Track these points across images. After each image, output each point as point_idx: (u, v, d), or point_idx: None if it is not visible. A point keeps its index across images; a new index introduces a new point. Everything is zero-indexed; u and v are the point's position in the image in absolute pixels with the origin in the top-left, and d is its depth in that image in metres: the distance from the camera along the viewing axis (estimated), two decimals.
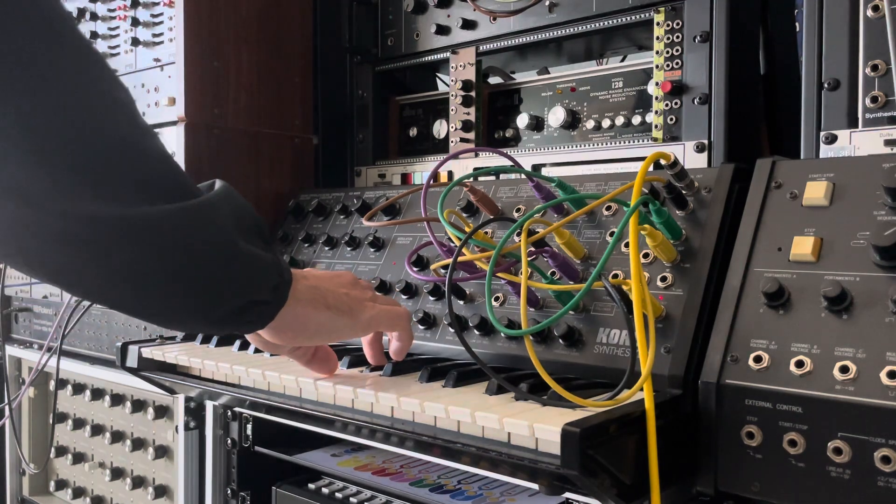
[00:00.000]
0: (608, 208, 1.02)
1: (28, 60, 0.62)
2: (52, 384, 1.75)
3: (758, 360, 0.77)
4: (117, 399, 1.63)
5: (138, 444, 1.59)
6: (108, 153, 0.66)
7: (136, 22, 1.52)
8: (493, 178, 1.27)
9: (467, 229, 1.01)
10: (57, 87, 0.63)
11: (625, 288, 0.87)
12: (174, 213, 0.68)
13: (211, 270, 0.72)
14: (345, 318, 0.87)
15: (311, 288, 0.83)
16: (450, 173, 1.40)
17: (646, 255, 0.93)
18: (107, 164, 0.65)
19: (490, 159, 1.35)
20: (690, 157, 1.11)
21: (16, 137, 0.61)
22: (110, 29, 1.60)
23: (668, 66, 1.14)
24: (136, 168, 0.68)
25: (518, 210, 1.11)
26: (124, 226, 0.65)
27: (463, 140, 1.39)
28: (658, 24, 1.15)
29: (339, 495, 1.22)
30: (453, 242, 0.97)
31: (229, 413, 1.35)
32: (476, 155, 1.37)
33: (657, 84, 1.15)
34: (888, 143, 0.91)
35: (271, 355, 1.07)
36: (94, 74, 0.67)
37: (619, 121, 1.23)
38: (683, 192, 0.95)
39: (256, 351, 1.09)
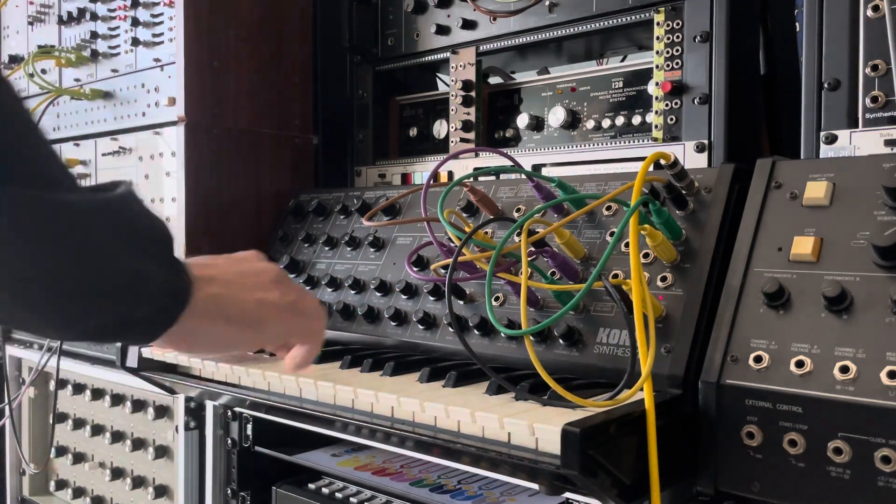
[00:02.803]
0: (608, 208, 1.02)
1: None
2: (52, 384, 1.75)
3: (758, 360, 0.77)
4: (117, 399, 1.63)
5: (138, 444, 1.59)
6: None
7: (136, 22, 1.52)
8: (493, 178, 1.27)
9: (467, 229, 1.01)
10: None
11: (625, 288, 0.87)
12: (51, 202, 0.61)
13: (82, 279, 0.64)
14: (247, 332, 0.81)
15: (211, 298, 0.76)
16: (450, 173, 1.40)
17: (646, 255, 0.94)
18: None
19: (490, 159, 1.35)
20: (690, 157, 1.11)
21: None
22: (110, 29, 1.60)
23: (668, 66, 1.14)
24: (23, 159, 0.62)
25: (518, 210, 1.11)
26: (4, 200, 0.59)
27: (463, 140, 1.39)
28: (658, 24, 1.15)
29: (339, 495, 1.22)
30: (453, 242, 0.97)
31: (229, 413, 1.35)
32: (476, 155, 1.37)
33: (657, 84, 1.15)
34: (888, 143, 0.91)
35: (271, 355, 1.06)
36: None
37: (619, 121, 1.23)
38: (683, 192, 0.95)
39: (257, 351, 1.09)
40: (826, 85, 0.96)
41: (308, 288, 1.31)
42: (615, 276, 0.94)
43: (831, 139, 0.95)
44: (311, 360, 0.90)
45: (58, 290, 0.63)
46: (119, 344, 0.82)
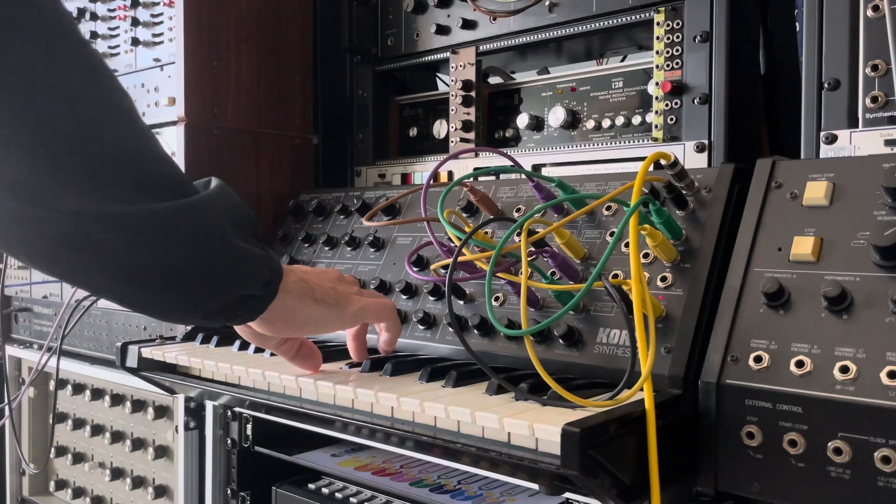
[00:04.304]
0: (608, 208, 1.02)
1: (35, 70, 0.65)
2: (52, 384, 1.75)
3: (758, 360, 0.77)
4: (117, 399, 1.63)
5: (138, 444, 1.59)
6: (111, 156, 0.69)
7: (136, 22, 1.52)
8: (493, 178, 1.27)
9: (467, 229, 1.01)
10: (63, 97, 0.66)
11: (625, 288, 0.87)
12: (172, 209, 0.71)
13: (206, 265, 0.74)
14: (332, 311, 0.89)
15: (299, 281, 0.86)
16: (450, 173, 1.40)
17: (646, 255, 0.94)
18: (109, 167, 0.68)
19: (490, 159, 1.35)
20: (690, 157, 1.11)
21: (25, 142, 0.64)
22: (110, 29, 1.60)
23: (668, 66, 1.14)
24: (136, 169, 0.71)
25: (518, 210, 1.11)
26: (126, 222, 0.68)
27: (463, 140, 1.39)
28: (658, 24, 1.15)
29: (339, 495, 1.22)
30: (453, 242, 0.97)
31: (229, 413, 1.35)
32: (476, 155, 1.37)
33: (657, 84, 1.15)
34: (888, 143, 0.91)
35: (271, 355, 1.07)
36: (97, 82, 0.70)
37: (619, 121, 1.23)
38: (683, 192, 0.95)
39: (256, 351, 1.09)
40: (826, 85, 0.96)
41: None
42: (615, 276, 0.94)
43: (831, 139, 0.95)
44: (397, 334, 0.99)
45: (189, 279, 0.73)
46: (225, 324, 0.90)
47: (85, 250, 0.68)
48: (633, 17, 1.19)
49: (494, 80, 1.52)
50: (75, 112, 0.67)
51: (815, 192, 0.84)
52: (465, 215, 1.16)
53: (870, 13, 0.93)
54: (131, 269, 0.70)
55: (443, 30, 1.42)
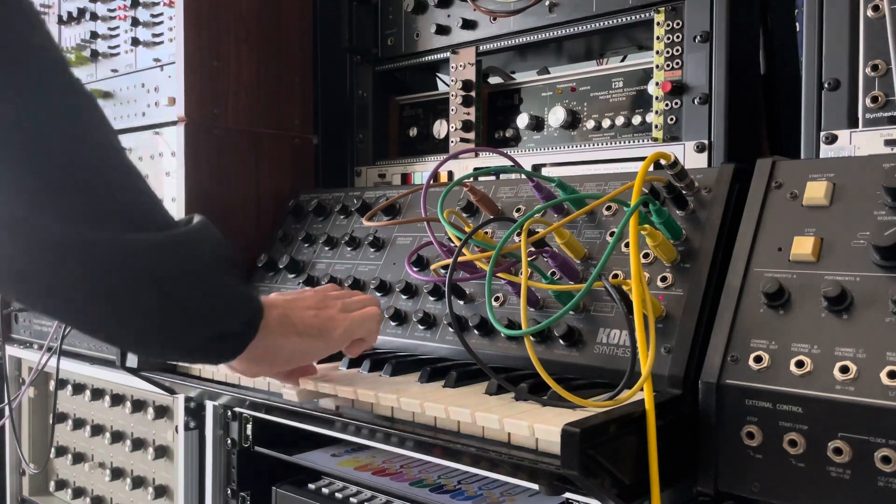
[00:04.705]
0: (608, 208, 1.02)
1: (28, 110, 0.65)
2: (52, 384, 1.75)
3: (758, 360, 0.77)
4: (117, 399, 1.63)
5: (138, 444, 1.59)
6: (97, 189, 0.69)
7: (136, 22, 1.52)
8: (493, 178, 1.27)
9: (467, 229, 1.01)
10: (52, 129, 0.67)
11: (625, 288, 0.87)
12: (155, 242, 0.71)
13: (188, 299, 0.74)
14: (317, 341, 0.89)
15: (281, 318, 0.85)
16: (450, 173, 1.40)
17: (646, 255, 0.93)
18: (94, 198, 0.69)
19: (490, 159, 1.35)
20: (690, 157, 1.11)
21: (17, 178, 0.65)
22: (110, 29, 1.60)
23: (668, 66, 1.14)
24: (121, 202, 0.71)
25: (518, 210, 1.11)
26: (106, 251, 0.68)
27: (463, 140, 1.39)
28: (658, 24, 1.15)
29: (339, 495, 1.22)
30: (453, 242, 0.97)
31: (229, 413, 1.35)
32: (476, 155, 1.37)
33: (657, 84, 1.15)
34: (888, 143, 0.91)
35: None
36: (87, 121, 0.71)
37: (619, 121, 1.23)
38: (683, 192, 0.95)
39: None
40: (826, 85, 0.96)
41: (308, 288, 1.31)
42: (615, 276, 0.94)
43: (831, 139, 0.95)
44: (370, 346, 0.97)
45: (168, 317, 0.73)
46: (206, 363, 0.92)
47: (64, 276, 0.67)
48: (633, 17, 1.19)
49: (494, 80, 1.52)
50: (63, 144, 0.68)
51: (815, 192, 0.84)
52: (465, 215, 1.16)
53: (870, 13, 0.93)
54: (117, 296, 0.70)
55: (443, 30, 1.42)
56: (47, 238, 0.66)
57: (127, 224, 0.70)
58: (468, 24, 1.38)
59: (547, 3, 1.27)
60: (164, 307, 0.72)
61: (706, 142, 1.10)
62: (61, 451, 1.80)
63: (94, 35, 1.63)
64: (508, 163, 1.15)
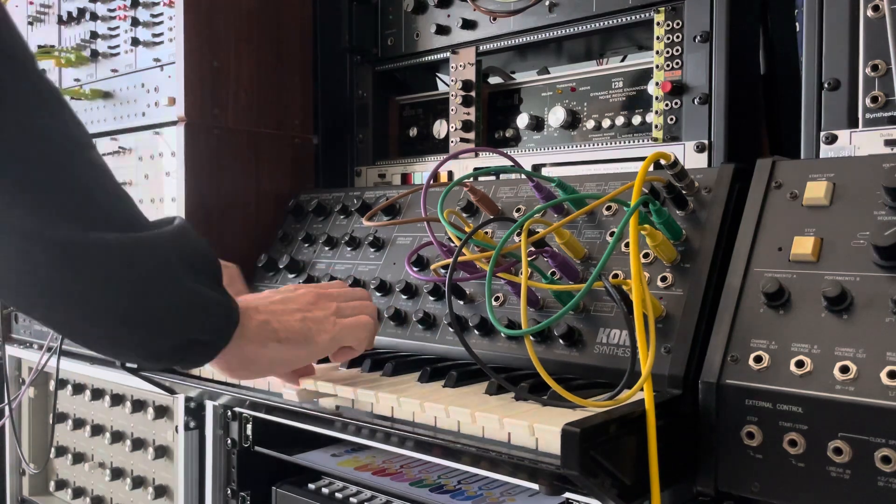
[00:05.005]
0: (608, 208, 1.02)
1: None
2: (52, 384, 1.75)
3: (758, 360, 0.77)
4: (117, 399, 1.63)
5: (138, 444, 1.59)
6: (67, 188, 0.69)
7: (136, 22, 1.52)
8: (493, 178, 1.27)
9: (467, 229, 1.01)
10: (22, 132, 0.67)
11: (625, 288, 0.87)
12: (122, 241, 0.69)
13: (152, 303, 0.72)
14: (300, 348, 0.86)
15: (261, 325, 0.83)
16: (450, 173, 1.40)
17: (646, 255, 0.93)
18: (65, 197, 0.68)
19: (490, 159, 1.35)
20: (690, 157, 1.11)
21: None
22: (110, 29, 1.60)
23: (668, 66, 1.14)
24: (89, 201, 0.70)
25: (518, 210, 1.11)
26: (73, 250, 0.67)
27: (463, 140, 1.39)
28: (658, 24, 1.15)
29: (339, 495, 1.22)
30: (453, 242, 0.97)
31: (229, 413, 1.35)
32: (476, 155, 1.37)
33: (657, 84, 1.15)
34: (888, 143, 0.91)
35: None
36: (55, 115, 0.70)
37: (619, 121, 1.23)
38: (683, 192, 0.95)
39: None
40: (826, 85, 0.96)
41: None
42: (615, 276, 0.94)
43: (831, 139, 0.95)
44: (358, 354, 0.94)
45: (133, 319, 0.71)
46: (175, 368, 0.90)
47: (31, 274, 0.67)
48: (633, 17, 1.19)
49: (494, 80, 1.52)
50: (31, 142, 0.67)
51: (815, 192, 0.84)
52: (465, 215, 1.16)
53: (870, 13, 0.93)
54: (82, 296, 0.69)
55: (443, 30, 1.42)
56: (15, 234, 0.65)
57: (93, 223, 0.69)
58: (468, 24, 1.38)
59: (547, 3, 1.27)
60: (128, 311, 0.70)
61: (706, 142, 1.10)
62: (61, 451, 1.80)
63: (94, 35, 1.63)
64: (508, 163, 1.15)
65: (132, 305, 0.71)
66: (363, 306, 0.95)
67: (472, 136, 1.39)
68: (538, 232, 0.93)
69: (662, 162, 0.92)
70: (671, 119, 1.13)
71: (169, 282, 0.73)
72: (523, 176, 1.07)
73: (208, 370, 1.08)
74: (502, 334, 1.00)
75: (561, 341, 0.94)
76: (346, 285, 1.02)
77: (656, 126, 1.15)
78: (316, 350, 0.88)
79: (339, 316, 0.90)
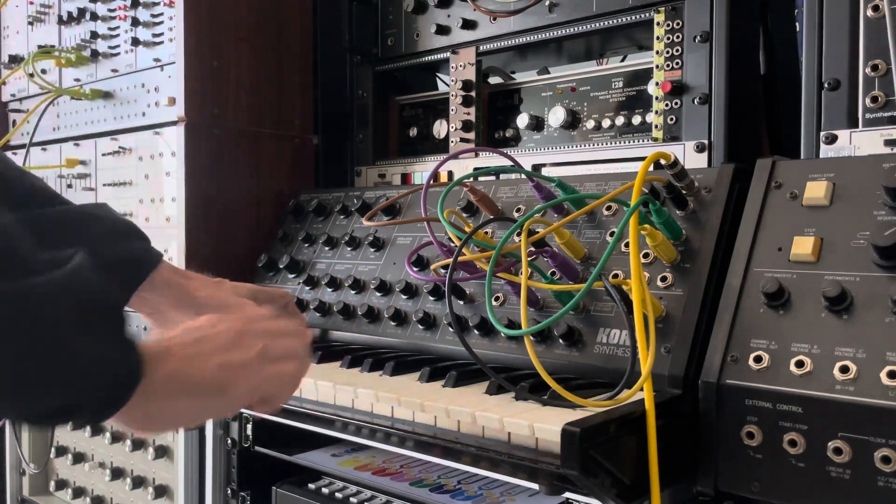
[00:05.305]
0: (608, 208, 1.02)
1: None
2: None
3: (758, 360, 0.77)
4: None
5: (138, 444, 1.59)
6: None
7: (136, 22, 1.52)
8: (493, 178, 1.27)
9: (467, 229, 1.01)
10: None
11: (625, 288, 0.87)
12: (2, 294, 0.59)
13: (25, 364, 0.61)
14: (212, 400, 0.74)
15: (169, 376, 0.71)
16: (450, 173, 1.40)
17: (646, 255, 0.93)
18: None
19: (490, 159, 1.35)
20: (690, 157, 1.11)
21: None
22: (110, 29, 1.60)
23: (668, 66, 1.14)
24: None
25: (518, 210, 1.11)
26: None
27: (463, 140, 1.39)
28: (658, 24, 1.15)
29: (339, 495, 1.22)
30: (453, 242, 0.97)
31: None
32: (476, 155, 1.37)
33: (657, 84, 1.15)
34: (888, 143, 0.91)
35: None
36: None
37: (619, 121, 1.23)
38: (683, 192, 0.95)
39: None
40: (826, 85, 0.96)
41: (308, 288, 1.31)
42: (615, 276, 0.94)
43: (831, 139, 0.95)
44: (275, 409, 0.82)
45: (9, 375, 0.60)
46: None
47: None
48: (633, 17, 1.19)
49: (494, 80, 1.52)
50: None
51: (815, 191, 0.84)
52: (465, 215, 1.16)
53: (870, 13, 0.93)
54: None
55: (443, 30, 1.42)
56: None
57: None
58: (468, 24, 1.38)
59: (547, 3, 1.27)
60: (3, 369, 0.60)
61: (706, 142, 1.10)
62: (61, 450, 1.80)
63: (94, 35, 1.63)
64: (508, 163, 1.15)
65: (5, 366, 0.60)
66: (293, 346, 0.81)
67: (472, 136, 1.39)
68: (538, 232, 0.93)
69: (662, 162, 0.92)
70: (671, 119, 1.13)
71: (48, 343, 0.62)
72: (523, 176, 1.07)
73: None
74: (502, 334, 1.00)
75: (561, 341, 0.94)
76: (276, 314, 0.87)
77: (656, 126, 1.15)
78: (230, 403, 0.77)
79: (264, 359, 0.77)
